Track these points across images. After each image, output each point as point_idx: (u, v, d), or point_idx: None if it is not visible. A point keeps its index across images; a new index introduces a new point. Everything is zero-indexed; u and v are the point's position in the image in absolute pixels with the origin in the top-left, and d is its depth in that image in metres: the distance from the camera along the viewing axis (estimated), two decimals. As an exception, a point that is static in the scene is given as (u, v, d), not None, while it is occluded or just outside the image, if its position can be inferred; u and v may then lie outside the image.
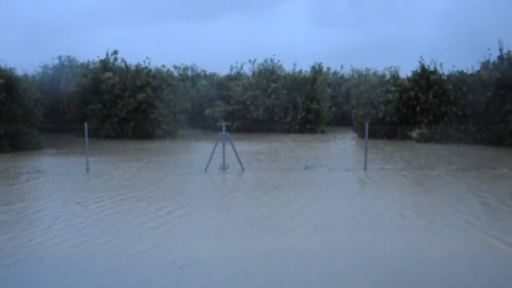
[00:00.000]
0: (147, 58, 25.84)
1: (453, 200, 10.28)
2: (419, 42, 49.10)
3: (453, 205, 9.84)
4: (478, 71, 22.03)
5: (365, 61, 53.20)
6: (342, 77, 36.83)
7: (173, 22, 61.56)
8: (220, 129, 14.20)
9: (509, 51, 21.31)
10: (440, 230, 8.04)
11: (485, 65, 21.78)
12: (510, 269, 6.38)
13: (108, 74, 24.63)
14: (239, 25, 61.44)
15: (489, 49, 22.11)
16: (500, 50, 21.61)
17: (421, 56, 24.41)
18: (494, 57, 21.90)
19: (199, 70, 35.23)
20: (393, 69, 26.38)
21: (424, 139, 22.77)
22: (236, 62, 30.98)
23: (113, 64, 26.08)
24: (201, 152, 18.24)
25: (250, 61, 30.46)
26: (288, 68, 30.56)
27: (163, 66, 26.41)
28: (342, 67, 37.51)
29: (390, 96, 24.36)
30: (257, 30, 60.42)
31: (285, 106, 28.41)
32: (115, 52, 26.33)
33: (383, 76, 26.26)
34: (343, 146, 21.85)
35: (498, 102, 20.76)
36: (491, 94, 20.95)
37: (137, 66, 25.71)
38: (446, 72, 24.01)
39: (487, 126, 21.15)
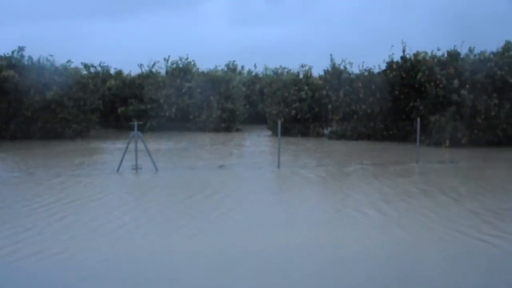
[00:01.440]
0: (51, 55, 24.44)
1: (366, 192, 10.60)
2: (334, 41, 50.67)
3: (366, 197, 10.14)
4: (384, 70, 22.99)
5: (282, 60, 54.09)
6: (256, 75, 37.09)
7: (90, 19, 59.19)
8: (133, 129, 13.74)
9: (417, 52, 22.52)
10: (352, 223, 8.22)
11: (390, 64, 22.78)
12: (406, 256, 6.61)
13: (10, 72, 23.04)
14: (158, 24, 60.37)
15: (392, 46, 23.10)
16: (403, 51, 22.73)
17: (331, 55, 25.13)
18: (397, 57, 22.97)
19: (110, 69, 33.92)
20: (306, 68, 26.89)
21: (336, 136, 23.43)
22: (150, 60, 30.23)
23: (19, 61, 24.45)
24: (114, 153, 17.57)
25: (164, 59, 29.85)
26: (204, 66, 30.29)
27: (69, 61, 25.11)
28: (255, 65, 37.72)
29: (303, 94, 24.86)
30: (176, 29, 59.66)
31: (200, 105, 28.13)
32: (21, 49, 24.71)
33: (297, 74, 26.69)
34: (258, 144, 21.98)
35: (403, 100, 21.79)
36: (397, 92, 21.97)
37: (40, 62, 24.25)
38: (356, 71, 24.86)
39: (394, 123, 22.17)
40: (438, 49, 21.94)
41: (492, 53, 20.43)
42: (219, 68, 30.47)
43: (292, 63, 37.41)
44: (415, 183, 12.38)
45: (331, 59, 24.96)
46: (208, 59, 32.07)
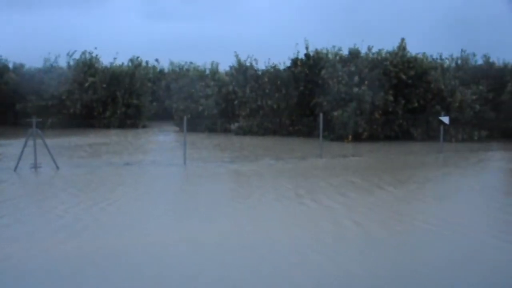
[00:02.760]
0: None
1: (273, 186, 10.73)
2: (244, 38, 50.87)
3: (272, 192, 10.26)
4: (289, 67, 23.48)
5: (191, 56, 53.57)
6: (162, 71, 36.39)
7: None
8: (31, 126, 12.92)
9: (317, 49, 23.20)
10: (262, 216, 8.27)
11: (294, 61, 23.31)
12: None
13: None
14: (67, 18, 57.16)
15: (297, 44, 23.67)
16: (307, 48, 23.36)
17: (235, 52, 25.28)
18: (302, 54, 23.53)
19: (9, 62, 31.56)
20: (212, 64, 26.80)
21: (243, 132, 23.59)
22: (49, 54, 28.55)
23: None
24: (11, 151, 16.41)
25: (68, 53, 28.33)
26: (115, 61, 29.06)
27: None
28: (157, 60, 36.73)
29: (209, 90, 24.75)
30: (87, 23, 56.81)
31: (104, 101, 27.10)
32: None
33: (203, 70, 26.55)
34: (164, 140, 21.60)
35: (307, 96, 22.39)
36: (302, 88, 22.53)
37: None
38: (263, 67, 25.15)
39: (299, 119, 22.71)
40: (339, 49, 22.84)
41: (388, 52, 21.55)
42: (125, 63, 29.47)
43: (202, 59, 37.00)
44: (318, 176, 12.71)
45: (237, 56, 25.12)
46: (119, 54, 30.77)
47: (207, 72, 26.40)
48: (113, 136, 22.66)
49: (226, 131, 24.96)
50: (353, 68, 20.80)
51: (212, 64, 26.64)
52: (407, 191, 10.86)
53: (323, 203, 9.33)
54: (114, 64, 28.66)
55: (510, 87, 21.08)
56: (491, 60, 23.47)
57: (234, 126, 24.99)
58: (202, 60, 36.39)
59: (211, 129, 24.61)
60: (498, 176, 13.68)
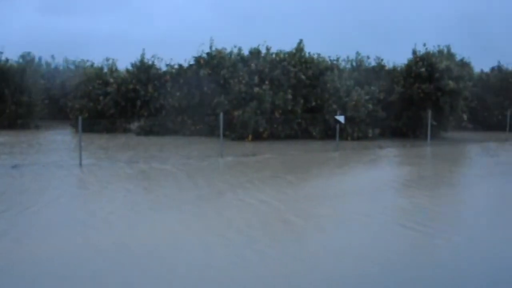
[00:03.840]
0: None
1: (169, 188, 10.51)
2: (147, 35, 49.69)
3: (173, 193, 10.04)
4: (192, 65, 23.26)
5: (88, 52, 51.36)
6: (57, 68, 34.51)
7: None
8: None
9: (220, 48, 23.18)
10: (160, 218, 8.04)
11: (197, 60, 23.14)
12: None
13: None
14: None
15: (202, 44, 23.54)
16: (210, 47, 23.27)
17: (143, 49, 24.68)
18: (205, 53, 23.40)
19: None
20: (110, 61, 25.84)
21: (144, 132, 23.01)
22: None
23: None
24: None
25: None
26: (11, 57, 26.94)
27: None
28: (53, 57, 34.84)
29: (108, 88, 23.87)
30: None
31: (-8, 100, 25.16)
32: None
33: (101, 68, 25.46)
34: (58, 141, 20.46)
35: (209, 95, 22.30)
36: (204, 88, 22.40)
37: None
38: (167, 66, 24.63)
39: (201, 118, 22.56)
40: (240, 49, 22.99)
41: (287, 53, 22.03)
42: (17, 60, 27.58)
43: (101, 56, 35.46)
44: (215, 177, 12.67)
45: (143, 54, 24.54)
46: (12, 50, 28.49)
47: (105, 69, 25.32)
48: (1, 137, 21.11)
49: (127, 131, 24.21)
50: (253, 68, 21.03)
51: (110, 61, 25.62)
52: (300, 188, 11.11)
53: (214, 204, 9.28)
54: (2, 60, 26.66)
55: (398, 88, 22.40)
56: (382, 63, 24.77)
57: (134, 126, 24.32)
58: (101, 57, 34.98)
59: (110, 129, 23.72)
60: (388, 170, 14.43)
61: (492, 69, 28.29)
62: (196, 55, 23.32)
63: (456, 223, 8.29)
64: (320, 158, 16.41)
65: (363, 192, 10.78)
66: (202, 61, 22.99)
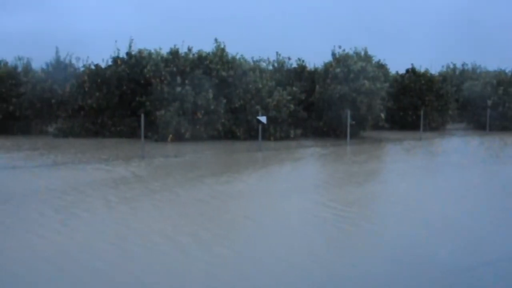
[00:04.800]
0: None
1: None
2: (69, 35, 47.79)
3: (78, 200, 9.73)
4: (110, 65, 22.69)
5: (5, 51, 48.79)
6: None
7: None
8: None
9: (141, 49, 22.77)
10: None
11: (115, 60, 22.59)
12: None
13: None
14: None
15: (121, 44, 23.06)
16: (130, 46, 22.80)
17: (57, 48, 23.70)
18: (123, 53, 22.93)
19: None
20: (24, 60, 24.60)
21: (62, 133, 22.16)
22: None
23: None
24: None
25: None
26: None
27: None
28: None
29: (22, 88, 22.74)
30: None
31: None
32: None
33: (14, 67, 24.18)
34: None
35: (130, 95, 21.85)
36: (124, 88, 21.90)
37: None
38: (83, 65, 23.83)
39: (121, 119, 22.05)
40: (161, 49, 22.72)
41: (208, 53, 21.99)
42: None
43: (13, 54, 33.66)
44: (133, 181, 12.43)
45: (56, 52, 23.58)
46: None
47: (20, 69, 24.09)
48: None
49: (43, 133, 23.21)
50: (174, 68, 20.83)
51: (24, 60, 24.39)
52: (221, 190, 11.14)
53: (123, 208, 9.12)
54: None
55: (319, 89, 23.01)
56: (304, 64, 25.34)
57: (52, 127, 23.36)
58: (13, 55, 33.25)
59: (25, 131, 22.64)
60: (307, 169, 14.78)
61: (407, 71, 29.70)
62: (115, 55, 22.78)
63: (364, 217, 8.63)
64: (242, 159, 16.53)
65: (284, 191, 10.98)
66: (120, 61, 22.46)
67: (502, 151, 19.68)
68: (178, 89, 20.27)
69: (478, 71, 36.62)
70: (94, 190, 10.62)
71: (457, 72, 35.31)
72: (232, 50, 22.65)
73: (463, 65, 36.72)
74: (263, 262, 6.15)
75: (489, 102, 28.45)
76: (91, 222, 8.03)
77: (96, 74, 22.40)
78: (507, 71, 31.34)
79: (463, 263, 6.15)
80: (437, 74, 32.13)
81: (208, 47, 22.58)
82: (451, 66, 38.62)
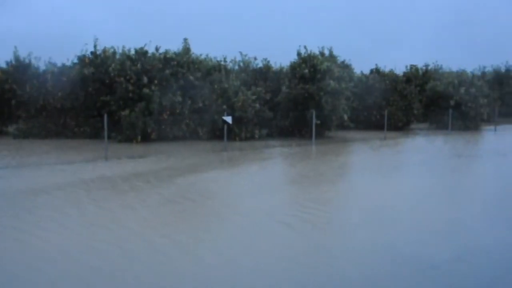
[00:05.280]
0: None
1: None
2: (31, 34, 46.69)
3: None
4: (75, 64, 22.28)
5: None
6: None
7: None
8: None
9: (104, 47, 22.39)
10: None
11: (81, 59, 22.19)
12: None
13: None
14: None
15: (86, 44, 22.66)
16: (95, 46, 22.41)
17: (15, 47, 23.12)
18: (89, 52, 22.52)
19: None
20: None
21: (23, 134, 21.64)
22: None
23: None
24: None
25: None
26: None
27: None
28: None
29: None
30: None
31: None
32: None
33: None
34: None
35: (94, 95, 21.48)
36: (89, 88, 21.51)
37: None
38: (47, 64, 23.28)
39: (85, 120, 21.66)
40: (129, 49, 22.38)
41: (174, 53, 21.81)
42: None
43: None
44: (94, 183, 12.23)
45: (15, 51, 23.00)
46: None
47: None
48: None
49: (2, 134, 22.60)
50: (140, 68, 20.59)
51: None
52: (182, 191, 11.06)
53: (85, 211, 8.96)
54: None
55: (285, 88, 23.10)
56: (269, 64, 25.42)
57: (12, 128, 22.78)
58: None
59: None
60: (271, 169, 14.81)
61: (371, 71, 30.12)
62: (80, 54, 22.37)
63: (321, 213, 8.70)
64: (206, 160, 16.43)
65: (247, 190, 10.98)
66: (86, 60, 22.06)
67: (463, 149, 20.16)
68: (146, 90, 20.04)
69: (440, 71, 37.38)
70: (48, 194, 10.40)
71: (421, 72, 35.96)
72: (199, 49, 22.49)
73: (425, 65, 37.44)
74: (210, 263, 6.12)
75: (452, 102, 29.09)
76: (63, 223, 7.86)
77: (60, 74, 21.92)
78: (468, 71, 32.12)
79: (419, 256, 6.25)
80: (401, 74, 32.66)
81: (175, 47, 22.41)
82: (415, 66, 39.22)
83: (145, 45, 21.79)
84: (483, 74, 40.34)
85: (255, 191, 10.98)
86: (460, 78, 30.53)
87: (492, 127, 30.21)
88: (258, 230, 7.75)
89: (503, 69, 42.27)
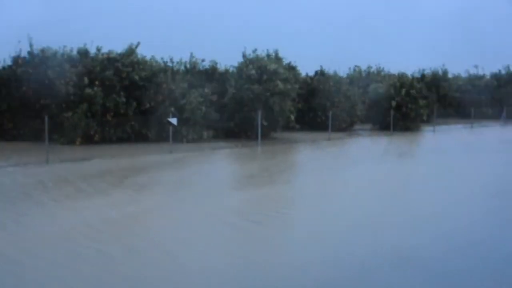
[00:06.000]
0: None
1: None
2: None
3: None
4: (10, 66, 21.34)
5: None
6: None
7: None
8: None
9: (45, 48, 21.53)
10: None
11: (15, 60, 21.28)
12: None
13: None
14: None
15: (20, 42, 21.64)
16: (31, 46, 21.51)
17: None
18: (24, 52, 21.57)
19: None
20: None
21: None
22: None
23: None
24: None
25: None
26: None
27: None
28: None
29: None
30: None
31: None
32: None
33: None
34: None
35: (32, 97, 20.65)
36: (26, 89, 20.65)
37: None
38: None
39: (23, 122, 20.80)
40: (71, 49, 21.67)
41: (118, 53, 21.31)
42: None
43: None
44: (35, 188, 11.79)
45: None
46: None
47: None
48: None
49: None
50: (81, 69, 20.01)
51: None
52: (124, 195, 10.87)
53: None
54: None
55: (231, 90, 23.06)
56: (215, 65, 25.32)
57: None
58: None
59: None
60: (218, 170, 14.80)
61: (316, 73, 30.54)
62: (15, 54, 21.41)
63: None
64: (150, 162, 16.18)
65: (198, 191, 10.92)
66: (20, 61, 21.14)
67: (404, 149, 20.86)
68: (88, 90, 19.49)
69: (382, 73, 38.36)
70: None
71: (363, 74, 36.77)
72: (146, 51, 21.99)
73: (368, 67, 38.30)
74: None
75: (393, 103, 29.89)
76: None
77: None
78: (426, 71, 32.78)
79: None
80: (344, 76, 33.26)
81: (118, 47, 21.85)
82: (357, 68, 40.03)
83: (85, 44, 21.25)
84: (423, 76, 41.74)
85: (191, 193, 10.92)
86: (401, 80, 31.40)
87: (431, 127, 31.33)
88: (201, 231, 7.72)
89: (440, 72, 43.89)
